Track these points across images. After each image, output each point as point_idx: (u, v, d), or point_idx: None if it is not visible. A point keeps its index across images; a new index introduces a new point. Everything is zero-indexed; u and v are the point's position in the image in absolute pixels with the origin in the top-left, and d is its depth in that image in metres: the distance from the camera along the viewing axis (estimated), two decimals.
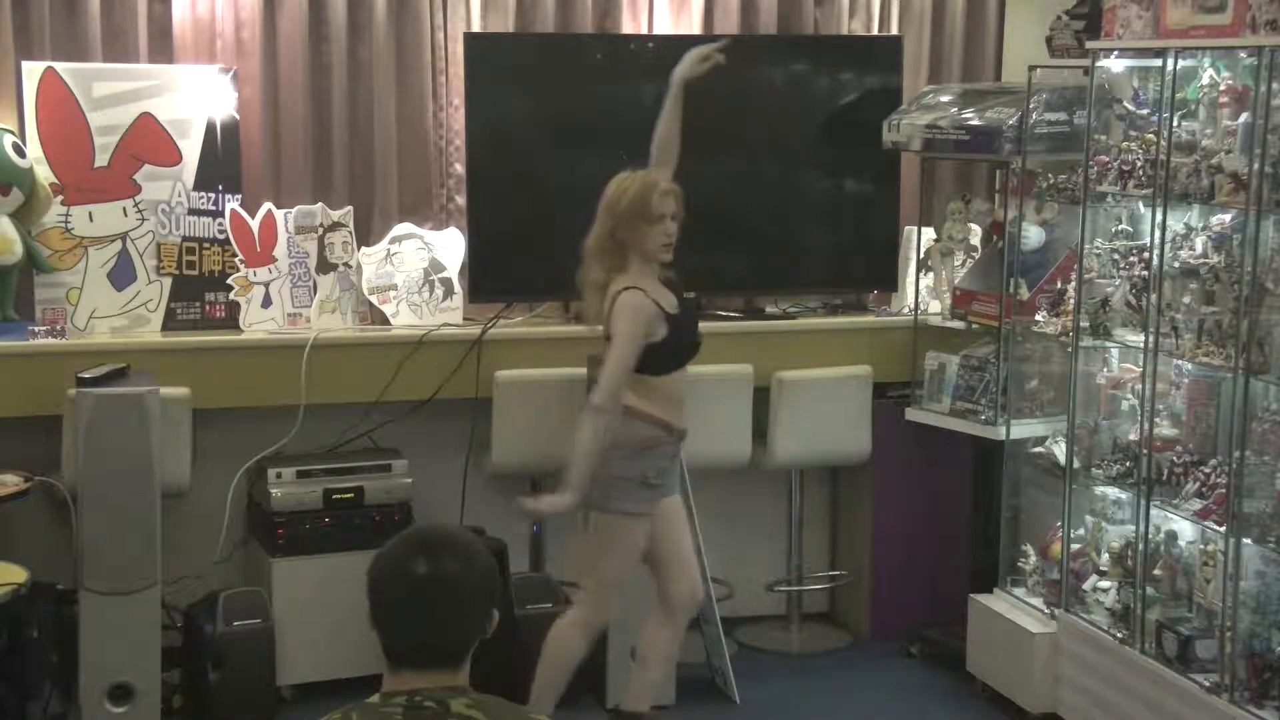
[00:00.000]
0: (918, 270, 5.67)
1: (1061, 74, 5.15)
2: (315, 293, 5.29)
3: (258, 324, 5.23)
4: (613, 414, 4.18)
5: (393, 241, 5.34)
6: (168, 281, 5.21)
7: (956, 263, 5.55)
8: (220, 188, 5.23)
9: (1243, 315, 4.13)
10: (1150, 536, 4.57)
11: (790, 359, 5.45)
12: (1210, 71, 4.42)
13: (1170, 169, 4.42)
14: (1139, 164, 4.60)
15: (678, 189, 4.33)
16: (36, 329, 4.99)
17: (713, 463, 5.25)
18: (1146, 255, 4.62)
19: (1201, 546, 4.39)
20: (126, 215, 5.15)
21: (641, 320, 4.21)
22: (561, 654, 4.46)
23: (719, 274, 5.49)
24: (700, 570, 5.14)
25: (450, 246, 5.40)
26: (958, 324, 5.39)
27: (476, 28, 5.45)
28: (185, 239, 5.21)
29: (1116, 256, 4.79)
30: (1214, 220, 4.39)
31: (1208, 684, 4.25)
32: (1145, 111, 4.71)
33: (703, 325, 4.60)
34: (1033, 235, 5.17)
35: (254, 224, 5.22)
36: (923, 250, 5.66)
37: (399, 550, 2.37)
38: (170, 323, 5.22)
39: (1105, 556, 4.82)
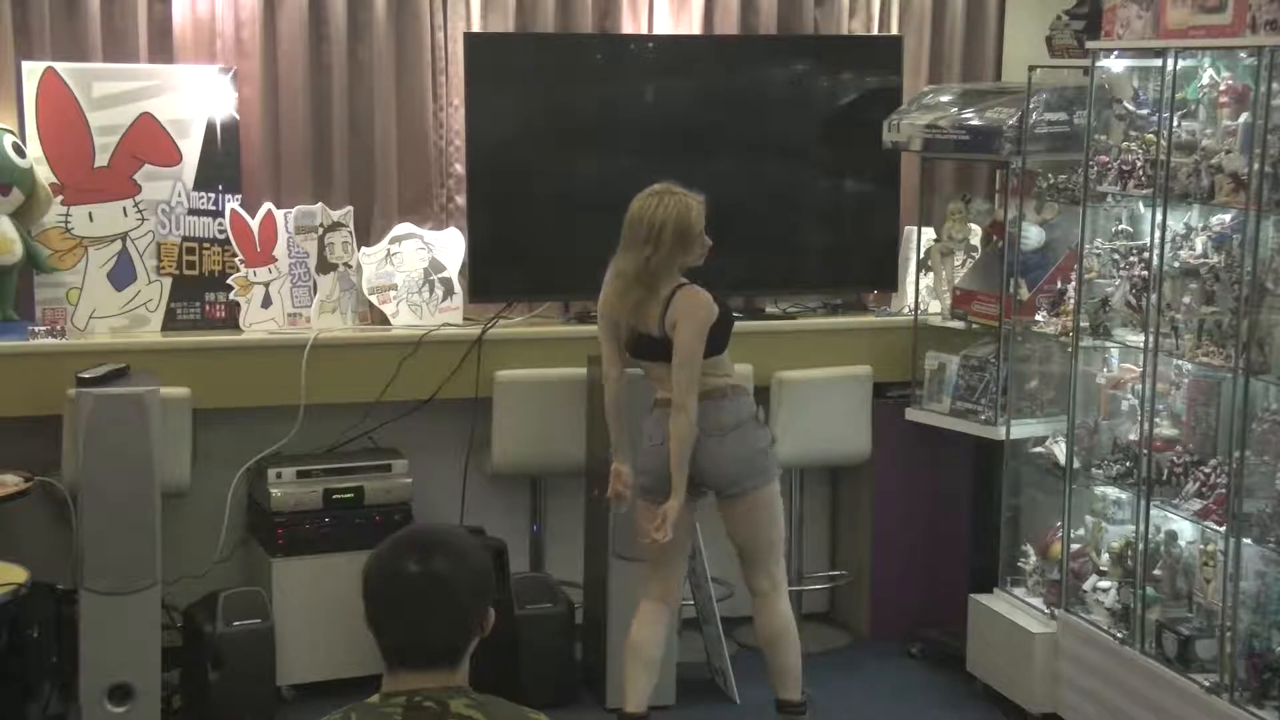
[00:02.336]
0: (918, 270, 5.67)
1: (1061, 74, 5.15)
2: (315, 293, 5.29)
3: (258, 324, 5.23)
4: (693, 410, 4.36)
5: (393, 241, 5.34)
6: (168, 281, 5.21)
7: (956, 263, 5.55)
8: (220, 188, 5.23)
9: (1243, 315, 4.13)
10: (1150, 536, 4.57)
11: (790, 359, 5.45)
12: (1210, 71, 4.42)
13: (1170, 169, 4.42)
14: (1139, 164, 4.60)
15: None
16: (36, 329, 4.99)
17: None
18: (1146, 255, 4.62)
19: (1201, 546, 4.39)
20: (126, 215, 5.15)
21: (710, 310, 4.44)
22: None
23: (719, 274, 5.48)
24: (701, 570, 5.16)
25: (450, 246, 5.40)
26: (958, 324, 5.39)
27: (476, 28, 5.45)
28: (185, 239, 5.21)
29: (1116, 256, 4.79)
30: (1214, 220, 4.39)
31: (1208, 684, 4.24)
32: (1145, 111, 4.71)
33: None
34: (1033, 235, 5.17)
35: (254, 224, 5.22)
36: (923, 250, 5.66)
37: (391, 551, 2.37)
38: (170, 323, 5.21)
39: (1105, 556, 4.83)
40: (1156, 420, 4.54)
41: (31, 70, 5.01)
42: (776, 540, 4.60)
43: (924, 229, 5.64)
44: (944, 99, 5.45)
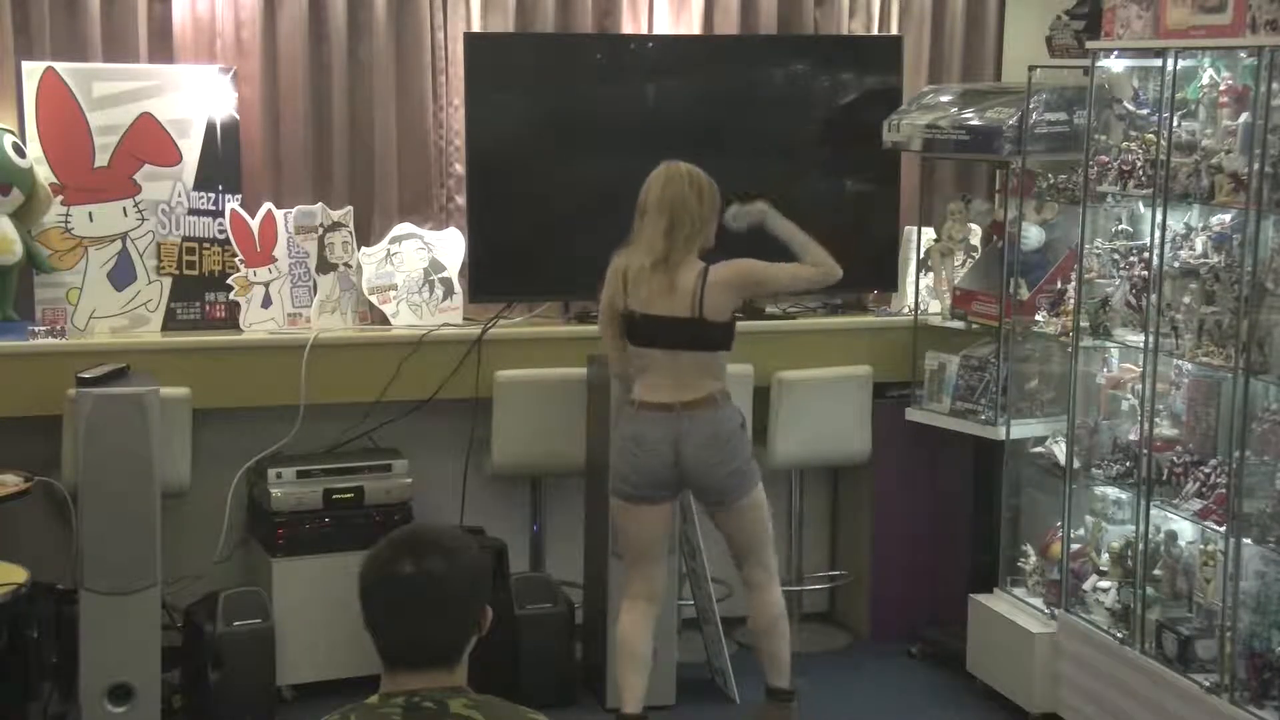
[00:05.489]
0: (918, 270, 5.67)
1: (1061, 74, 5.15)
2: (315, 293, 5.29)
3: (258, 324, 5.23)
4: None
5: (393, 241, 5.34)
6: (168, 281, 5.21)
7: (956, 263, 5.55)
8: (220, 188, 5.23)
9: (1243, 315, 4.13)
10: (1150, 536, 4.57)
11: (790, 359, 5.45)
12: (1210, 71, 4.42)
13: (1170, 169, 4.42)
14: (1139, 164, 4.60)
15: None
16: (36, 329, 4.99)
17: None
18: (1146, 255, 4.62)
19: (1201, 546, 4.39)
20: (126, 215, 5.15)
21: None
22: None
23: None
24: (701, 570, 5.16)
25: (450, 246, 5.40)
26: (958, 324, 5.39)
27: (476, 28, 5.45)
28: (185, 239, 5.22)
29: (1116, 256, 4.79)
30: (1214, 220, 4.39)
31: (1208, 684, 4.25)
32: (1145, 111, 4.71)
33: None
34: (1033, 235, 5.17)
35: (254, 224, 5.22)
36: (923, 250, 5.66)
37: (386, 553, 2.37)
38: (170, 323, 5.22)
39: (1105, 556, 4.83)
40: (1156, 420, 4.54)
41: (31, 70, 5.01)
42: (768, 534, 4.67)
43: (924, 229, 5.64)
44: (944, 99, 5.45)
